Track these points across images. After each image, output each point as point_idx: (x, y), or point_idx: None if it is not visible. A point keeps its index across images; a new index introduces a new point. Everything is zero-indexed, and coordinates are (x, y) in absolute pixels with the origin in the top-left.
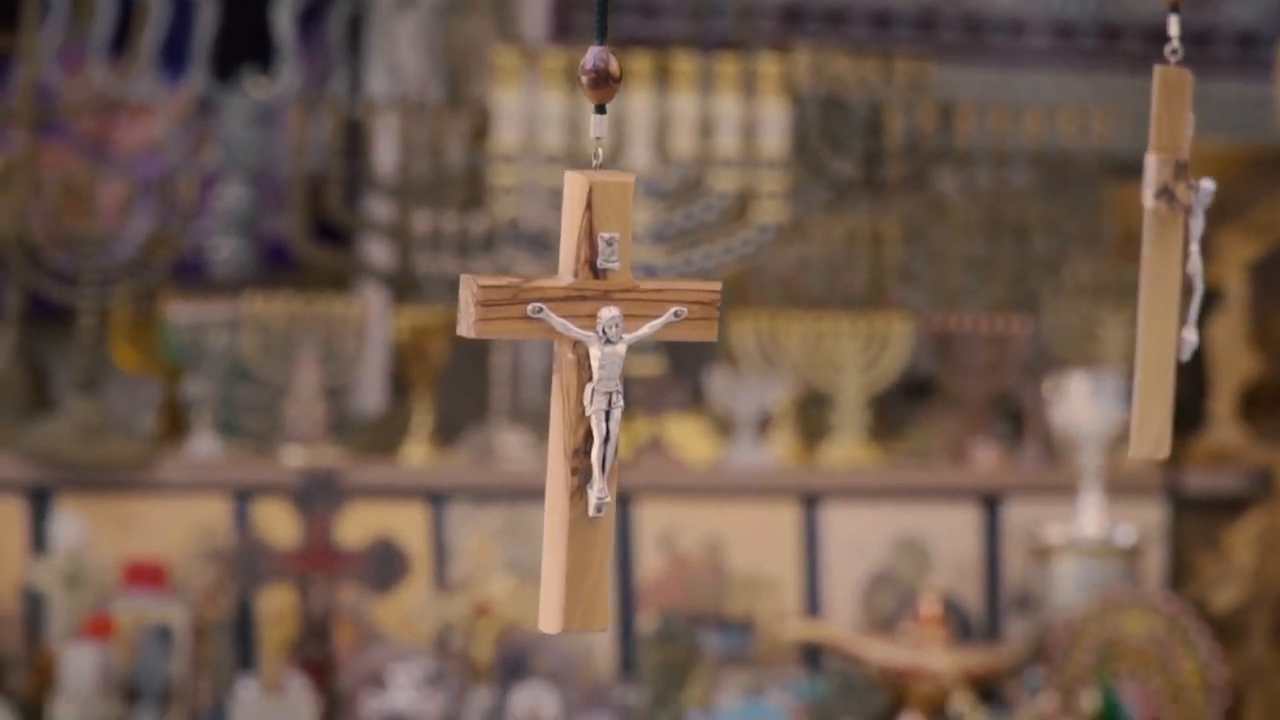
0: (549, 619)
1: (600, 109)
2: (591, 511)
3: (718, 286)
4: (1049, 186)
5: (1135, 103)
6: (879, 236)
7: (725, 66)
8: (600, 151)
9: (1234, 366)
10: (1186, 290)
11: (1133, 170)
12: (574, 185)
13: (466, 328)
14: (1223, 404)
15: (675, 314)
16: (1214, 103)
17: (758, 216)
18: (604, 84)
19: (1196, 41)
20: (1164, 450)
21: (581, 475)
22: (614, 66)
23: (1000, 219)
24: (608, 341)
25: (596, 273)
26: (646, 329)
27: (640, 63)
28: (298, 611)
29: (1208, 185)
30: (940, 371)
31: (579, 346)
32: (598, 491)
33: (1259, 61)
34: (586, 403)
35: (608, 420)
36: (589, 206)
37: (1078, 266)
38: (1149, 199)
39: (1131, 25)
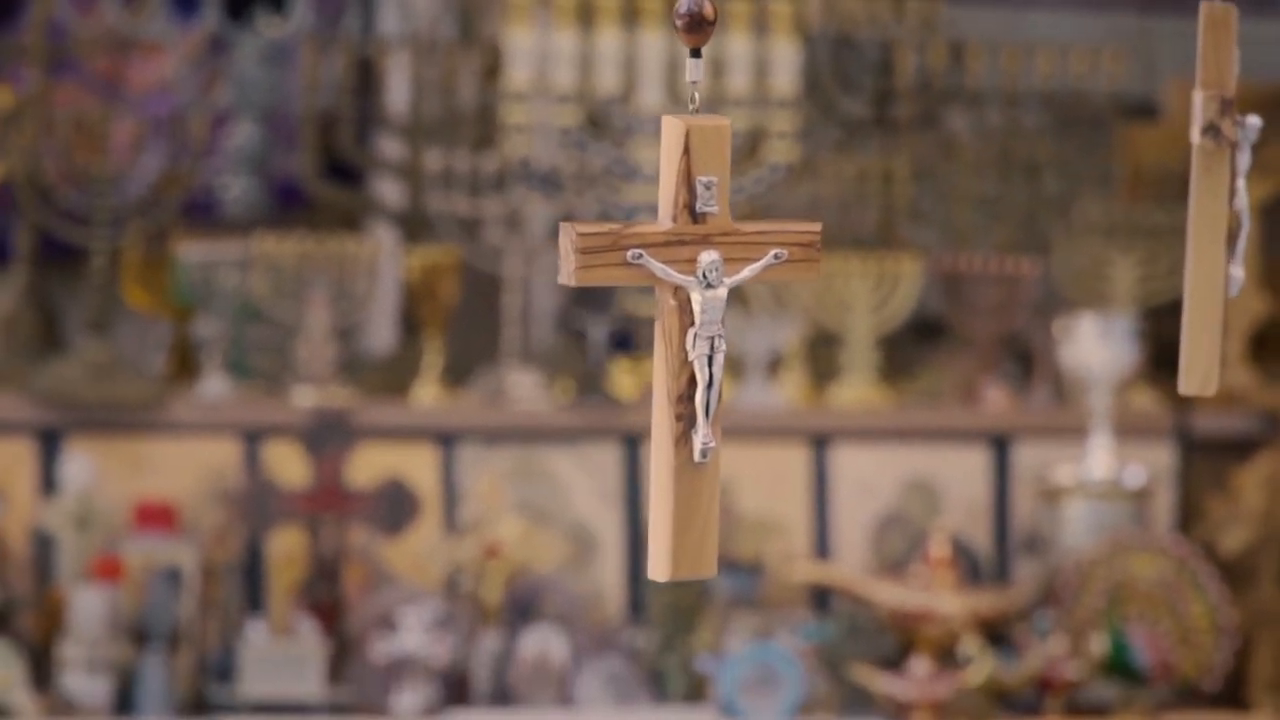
0: (658, 566)
1: (696, 53)
2: (697, 457)
3: (818, 227)
4: (1060, 126)
5: (1146, 42)
6: (889, 176)
7: (736, 6)
8: (697, 95)
9: (1243, 308)
10: (1234, 227)
11: (1144, 110)
12: (671, 130)
13: (567, 275)
14: (1232, 345)
15: (775, 256)
16: None
17: (768, 156)
18: (699, 28)
19: None
20: (1212, 387)
21: (686, 421)
22: (709, 10)
23: (1011, 159)
24: (708, 286)
25: (695, 217)
26: (747, 272)
27: (652, 2)
28: (307, 553)
29: (1254, 121)
30: (950, 312)
31: (680, 292)
32: (703, 436)
33: (1274, 1)
34: (689, 348)
35: (710, 365)
36: (686, 150)
37: (1088, 207)
38: (1196, 135)
39: None
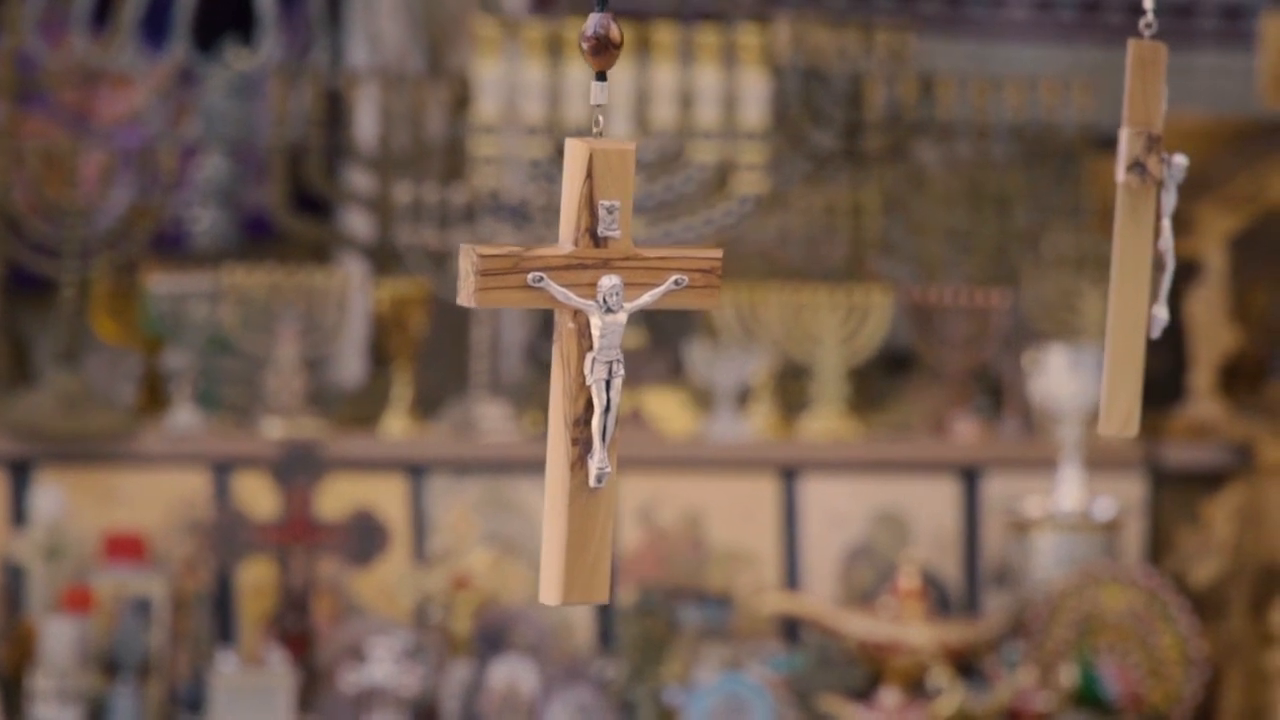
0: (550, 591)
1: (601, 76)
2: (592, 482)
3: (719, 254)
4: (1029, 158)
5: (1115, 75)
6: (859, 208)
7: (705, 38)
8: (601, 119)
9: (1213, 340)
10: (1158, 266)
11: (1113, 142)
12: (575, 153)
13: (466, 297)
14: (1202, 378)
15: (676, 282)
16: (1196, 75)
17: (738, 188)
18: (605, 50)
19: (1179, 14)
20: (1132, 428)
21: (582, 445)
22: (615, 33)
23: (980, 191)
24: (608, 310)
25: (597, 241)
26: (647, 297)
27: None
28: (277, 584)
29: (1180, 160)
30: (920, 344)
31: (579, 315)
32: (598, 461)
33: (1241, 34)
34: (587, 372)
35: (608, 390)
36: (590, 174)
37: (1058, 238)
38: (1121, 173)
39: None
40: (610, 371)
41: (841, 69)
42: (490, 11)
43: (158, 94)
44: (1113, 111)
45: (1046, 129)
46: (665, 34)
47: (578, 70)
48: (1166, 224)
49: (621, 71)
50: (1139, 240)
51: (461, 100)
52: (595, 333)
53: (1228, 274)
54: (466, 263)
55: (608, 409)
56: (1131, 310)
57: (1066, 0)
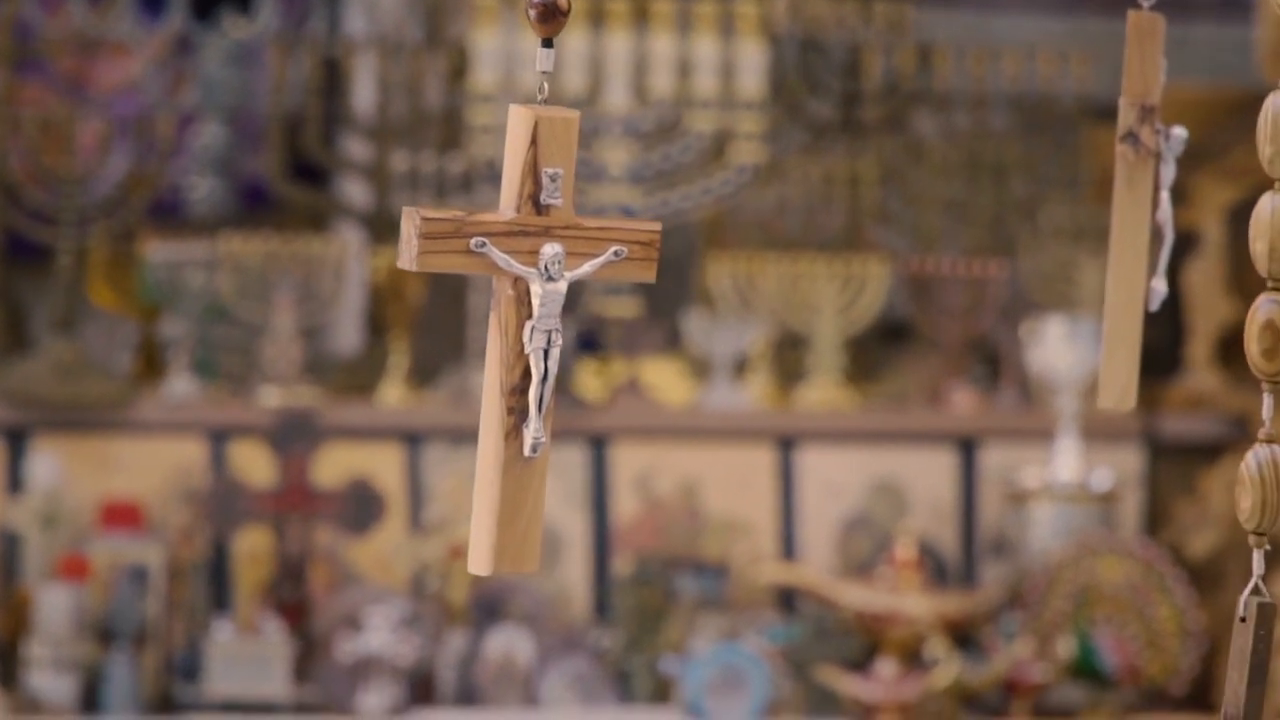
0: (478, 560)
1: (548, 43)
2: (527, 451)
3: (658, 227)
4: (1027, 129)
5: (1113, 46)
6: (857, 178)
7: (703, 7)
8: (545, 86)
9: (1211, 312)
10: (1156, 238)
11: (1111, 113)
12: (518, 119)
13: (408, 260)
14: (1200, 349)
15: (615, 253)
16: (1194, 46)
17: (735, 158)
18: (551, 18)
19: None
20: (1130, 402)
21: (518, 415)
22: (563, 1)
23: (978, 161)
24: (549, 278)
25: (539, 209)
26: (587, 267)
27: (619, 3)
28: (273, 553)
29: (1179, 132)
30: (917, 314)
31: (519, 283)
32: (534, 431)
33: (1239, 4)
34: (526, 340)
35: (546, 359)
36: (534, 141)
37: (1055, 209)
38: (1117, 143)
39: None
40: (549, 340)
41: (839, 39)
42: None
43: (155, 62)
44: (1111, 82)
45: (1044, 99)
46: (663, 3)
47: (574, 40)
48: (1165, 196)
49: (620, 41)
50: (1137, 212)
51: (459, 69)
52: (535, 301)
53: (1225, 246)
54: (409, 225)
55: (545, 378)
56: (1129, 283)
57: None
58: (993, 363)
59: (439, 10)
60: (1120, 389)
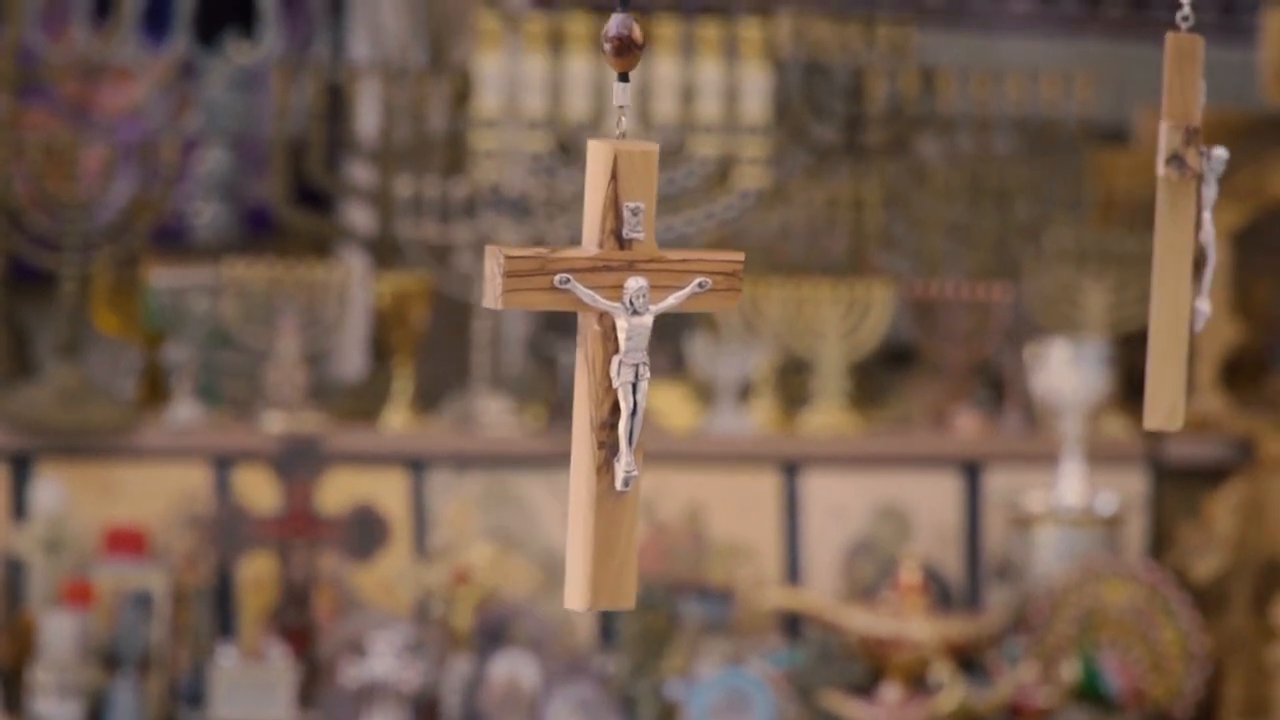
0: (575, 596)
1: (624, 77)
2: (619, 486)
3: (740, 257)
4: (1031, 152)
5: (1117, 68)
6: (860, 202)
7: (707, 31)
8: (624, 120)
9: (1216, 335)
10: (1199, 259)
11: (1114, 136)
12: (599, 154)
13: (492, 299)
14: (1205, 372)
15: (700, 285)
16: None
17: (739, 182)
18: (628, 51)
19: (1177, 7)
20: (1177, 421)
21: (608, 449)
22: (637, 33)
23: (982, 185)
24: (634, 312)
25: (622, 243)
26: (672, 299)
27: None
28: (278, 578)
29: (1220, 153)
30: (921, 338)
31: (605, 318)
32: (625, 465)
33: (1242, 28)
34: (613, 375)
35: (635, 392)
36: (614, 176)
37: (1059, 232)
38: (1160, 166)
39: None
40: (637, 374)
41: (843, 63)
42: (491, 5)
43: (159, 87)
44: (1115, 105)
45: (1048, 123)
46: (667, 28)
47: (579, 64)
48: (1207, 216)
49: None
50: (1180, 234)
51: (463, 94)
52: (621, 335)
53: (1230, 268)
54: (493, 264)
55: (634, 412)
56: (1174, 304)
57: None
58: (997, 386)
59: (443, 35)
60: (1168, 408)
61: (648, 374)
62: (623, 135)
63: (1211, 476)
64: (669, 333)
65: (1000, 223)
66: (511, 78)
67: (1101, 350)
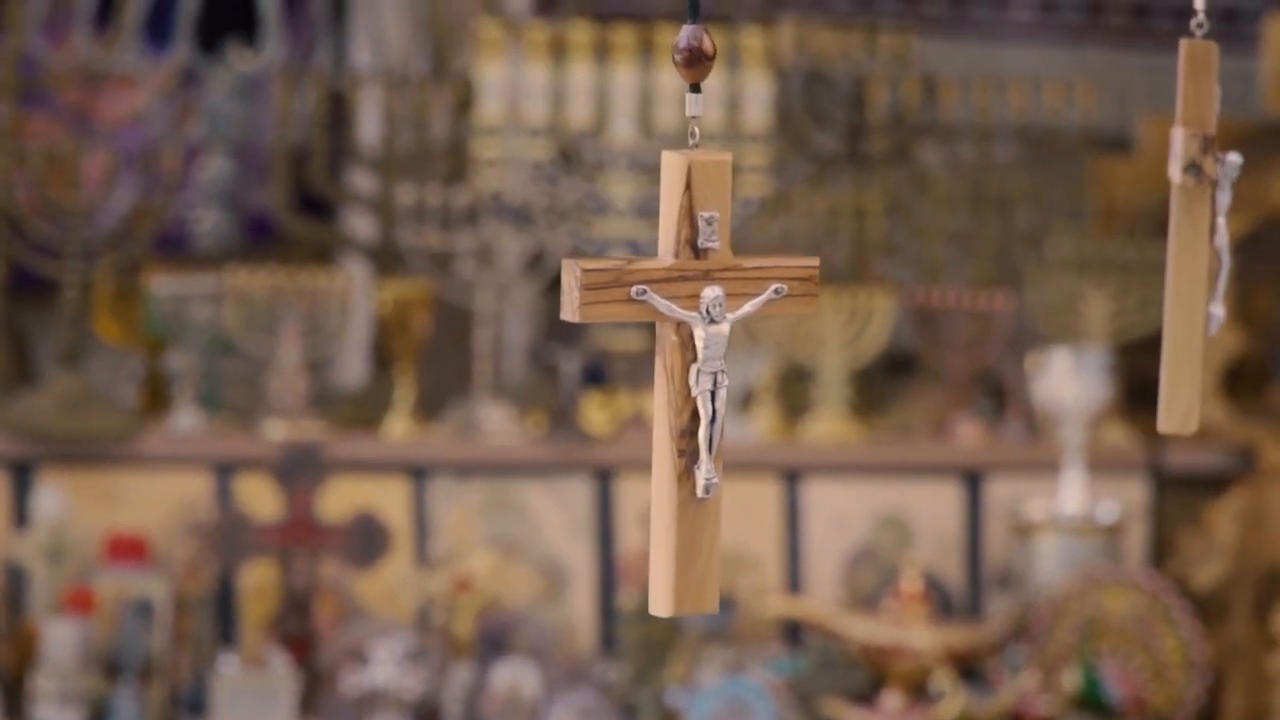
0: (660, 602)
1: (695, 88)
2: (700, 493)
3: (815, 262)
4: (1033, 161)
5: (1119, 77)
6: (862, 211)
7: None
8: (697, 131)
9: (1217, 344)
10: (1213, 265)
11: (1116, 144)
12: (672, 166)
13: (571, 312)
14: (1206, 381)
15: (776, 291)
16: None
17: (740, 190)
18: (699, 62)
19: (1179, 15)
20: (1192, 425)
21: (689, 457)
22: (708, 45)
23: (984, 193)
24: (711, 321)
25: (697, 252)
26: (748, 307)
27: (624, 36)
28: (279, 586)
29: (1234, 159)
30: (923, 347)
31: (682, 328)
32: (705, 472)
33: (1243, 36)
34: (692, 383)
35: (714, 400)
36: (688, 186)
37: (1061, 241)
38: (1177, 174)
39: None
40: (715, 382)
41: (845, 71)
42: (494, 14)
43: (161, 95)
44: (1116, 113)
45: (1050, 131)
46: (669, 36)
47: (581, 72)
48: (1222, 222)
49: (625, 73)
50: (1195, 240)
51: (465, 102)
52: (699, 344)
53: (1231, 278)
54: (569, 278)
55: (714, 419)
56: (1189, 309)
57: (1070, 2)
58: (998, 395)
59: (445, 43)
60: (1183, 412)
61: (726, 381)
62: (696, 146)
63: (1213, 485)
64: None
65: (1002, 231)
66: (513, 85)
67: (1103, 359)
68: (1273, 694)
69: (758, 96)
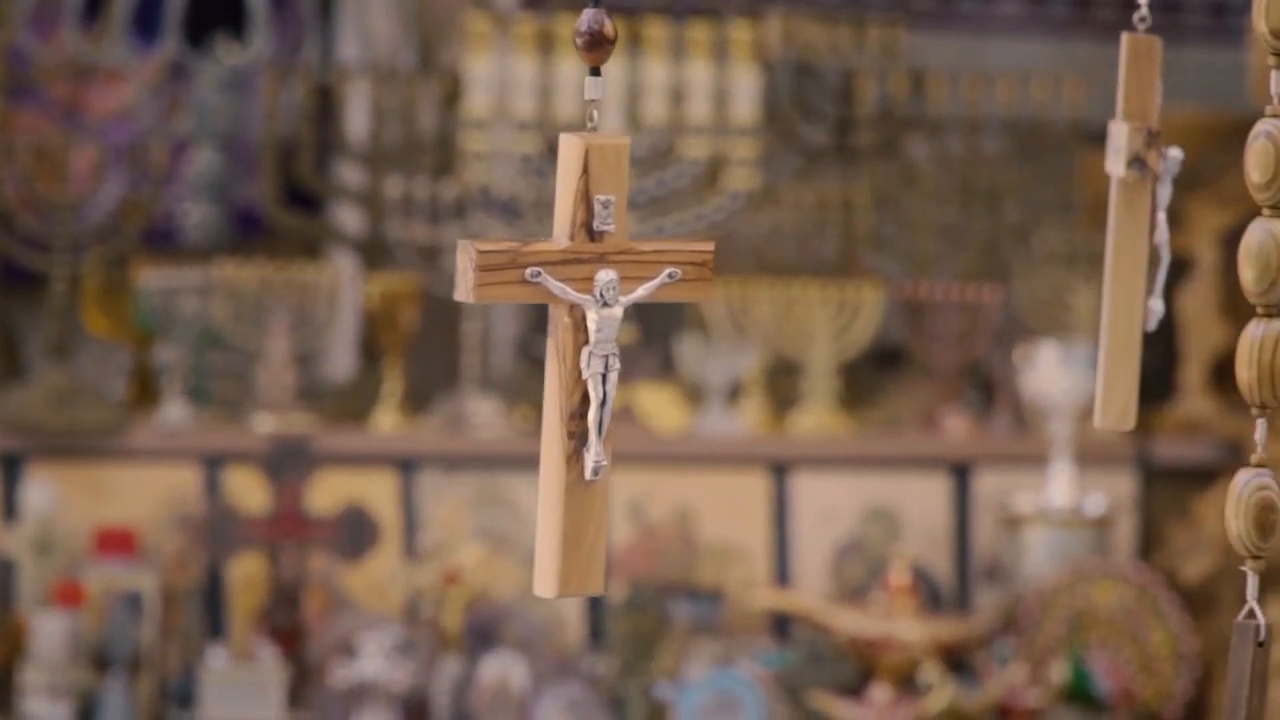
0: (545, 583)
1: (595, 71)
2: (588, 475)
3: (711, 247)
4: (1021, 154)
5: (1107, 71)
6: (850, 204)
7: (697, 33)
8: (595, 114)
9: (1205, 336)
10: (1153, 260)
11: (1104, 138)
12: (570, 148)
13: (465, 292)
14: (1193, 374)
15: (670, 275)
16: (1185, 71)
17: (729, 183)
18: (599, 46)
19: (1168, 9)
20: (1129, 422)
21: (578, 439)
22: (609, 28)
23: (972, 187)
24: (604, 304)
25: (592, 235)
26: (642, 290)
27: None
28: (268, 579)
29: (1175, 154)
30: (911, 340)
31: (575, 310)
32: (594, 454)
33: (1230, 29)
34: (583, 366)
35: (604, 383)
36: (585, 169)
37: (1049, 234)
38: (1119, 167)
39: None
40: (607, 365)
41: (833, 64)
42: (481, 7)
43: (149, 89)
44: (1104, 107)
45: (1038, 125)
46: (656, 29)
47: (569, 66)
48: (1162, 217)
49: (613, 67)
50: (1135, 234)
51: (452, 96)
52: (592, 327)
53: (1219, 270)
54: (464, 258)
55: (604, 402)
56: (1127, 304)
57: None
58: (986, 388)
59: (432, 36)
60: (1120, 409)
61: (618, 365)
62: (594, 129)
63: (1201, 478)
64: (658, 334)
65: (990, 224)
66: (501, 79)
67: (1091, 352)
68: None
69: (745, 90)
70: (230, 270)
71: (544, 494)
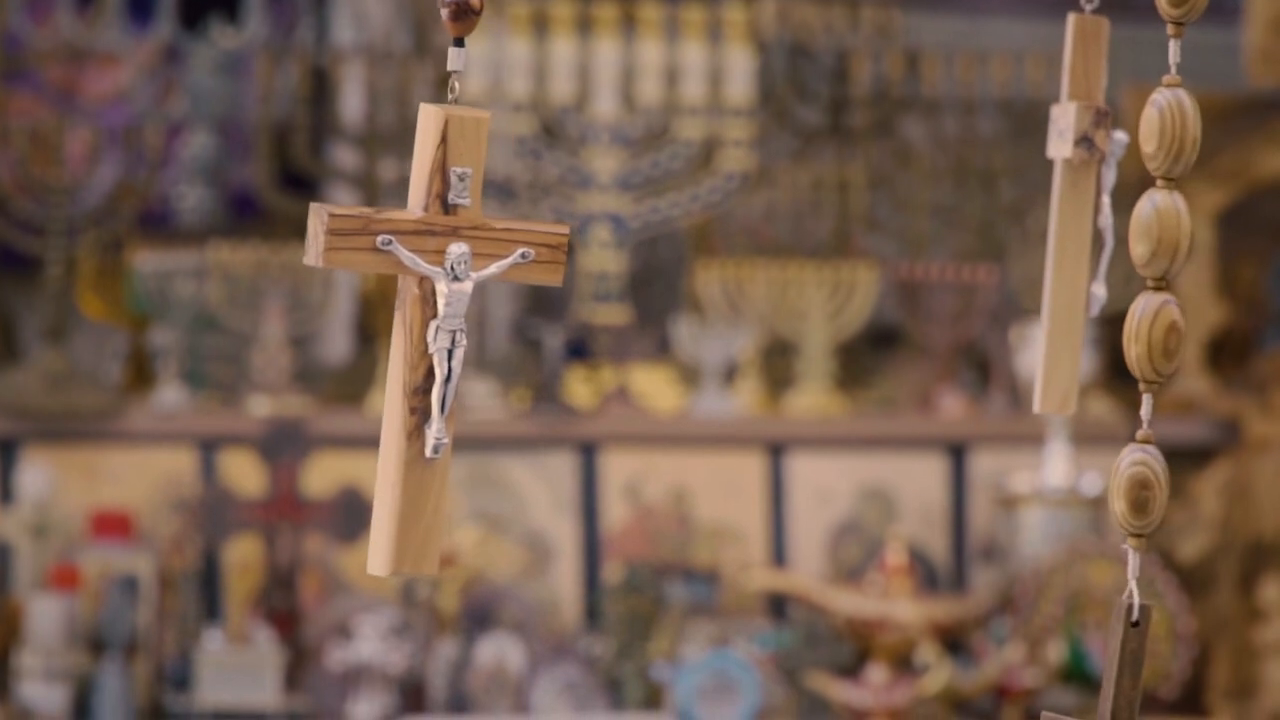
0: (378, 561)
1: (459, 42)
2: (428, 452)
3: (566, 230)
4: (1016, 134)
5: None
6: (845, 184)
7: (691, 14)
8: (457, 85)
9: (1201, 316)
10: (1097, 243)
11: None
12: (428, 118)
13: (314, 257)
14: (1189, 353)
15: (523, 255)
16: (1181, 50)
17: (724, 164)
18: (464, 16)
19: None
20: (1071, 406)
21: (420, 415)
22: (475, 0)
23: (967, 167)
24: (455, 278)
25: (447, 208)
26: (494, 268)
27: (607, 10)
28: (264, 562)
29: (1121, 136)
30: (907, 320)
31: (425, 282)
32: (435, 431)
33: (1226, 9)
34: (430, 340)
35: (450, 359)
36: (444, 140)
37: (1044, 214)
38: (1064, 149)
39: None
40: (453, 341)
41: (827, 45)
42: None
43: (144, 72)
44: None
45: (1032, 105)
46: (651, 10)
47: (563, 47)
48: (1106, 200)
49: (607, 48)
50: (1079, 218)
51: (446, 78)
52: (440, 300)
53: (1215, 249)
54: (316, 222)
55: (449, 378)
56: (1070, 289)
57: None
58: (982, 368)
59: (427, 19)
60: (1061, 394)
61: (464, 341)
62: (455, 100)
63: (1197, 457)
64: (654, 315)
65: (985, 204)
66: (496, 61)
67: (1087, 332)
68: (1258, 665)
69: (740, 70)
70: (225, 253)
71: (382, 470)
